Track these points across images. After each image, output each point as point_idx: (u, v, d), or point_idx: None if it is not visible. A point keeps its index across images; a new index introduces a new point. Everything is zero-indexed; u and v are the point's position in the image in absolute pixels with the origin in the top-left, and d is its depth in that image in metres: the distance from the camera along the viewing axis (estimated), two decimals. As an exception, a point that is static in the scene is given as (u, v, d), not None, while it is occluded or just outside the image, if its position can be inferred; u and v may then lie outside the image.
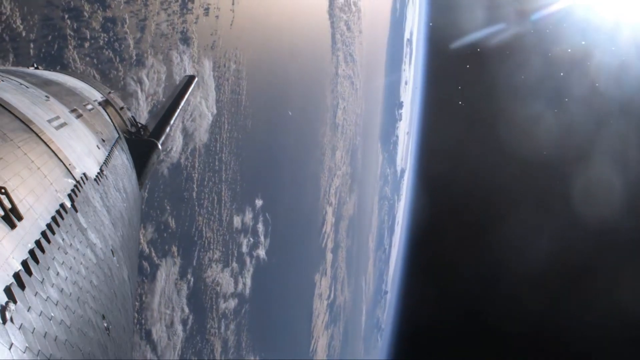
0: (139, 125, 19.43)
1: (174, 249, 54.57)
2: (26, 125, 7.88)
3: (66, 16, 42.85)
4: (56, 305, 4.93)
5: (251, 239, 73.68)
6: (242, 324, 70.65)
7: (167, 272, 52.72)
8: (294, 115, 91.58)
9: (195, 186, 59.78)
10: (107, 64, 46.94)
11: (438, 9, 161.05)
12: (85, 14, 44.68)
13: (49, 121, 9.41)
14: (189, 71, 56.53)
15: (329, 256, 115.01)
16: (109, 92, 18.85)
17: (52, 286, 5.07)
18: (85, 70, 44.04)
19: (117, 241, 9.30)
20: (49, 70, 21.63)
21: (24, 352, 3.80)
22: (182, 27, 57.91)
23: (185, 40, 57.81)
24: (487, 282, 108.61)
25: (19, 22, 38.18)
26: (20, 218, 5.15)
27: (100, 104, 16.37)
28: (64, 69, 41.87)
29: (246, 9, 71.57)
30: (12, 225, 4.97)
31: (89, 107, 14.38)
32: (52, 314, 4.72)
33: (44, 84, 12.47)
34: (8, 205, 5.03)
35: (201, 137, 59.81)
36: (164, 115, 21.80)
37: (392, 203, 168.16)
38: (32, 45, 39.40)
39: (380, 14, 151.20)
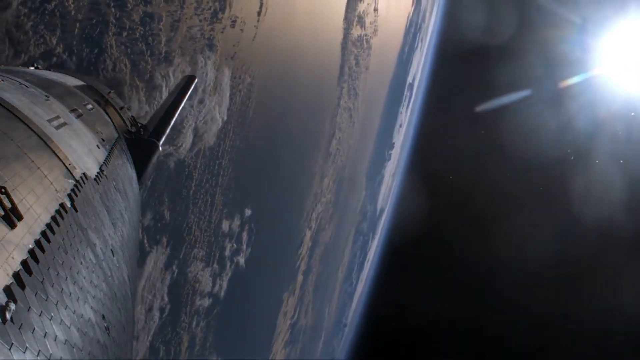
0: (139, 125, 19.89)
1: (165, 239, 56.51)
2: (26, 125, 7.93)
3: (112, 4, 45.51)
4: (56, 305, 4.90)
5: (234, 244, 75.31)
6: (211, 324, 71.96)
7: (155, 260, 54.53)
8: (291, 137, 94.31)
9: (193, 185, 61.81)
10: (139, 55, 49.42)
11: (444, 59, 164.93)
12: (129, 5, 47.40)
13: (49, 121, 9.49)
14: (211, 75, 59.26)
15: (300, 278, 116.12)
16: (109, 92, 19.25)
17: (52, 286, 5.03)
18: (118, 57, 46.57)
19: (117, 241, 9.35)
20: (50, 70, 22.13)
21: (24, 352, 3.77)
22: (210, 34, 60.69)
23: (211, 46, 60.65)
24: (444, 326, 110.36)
25: (70, 0, 40.80)
26: (20, 218, 5.17)
27: (100, 103, 16.73)
28: (102, 52, 44.46)
29: (268, 28, 74.60)
30: (12, 225, 4.96)
31: (89, 106, 14.71)
32: (52, 314, 4.68)
33: (44, 84, 12.87)
34: (8, 205, 5.05)
35: (209, 140, 62.18)
36: (164, 116, 22.21)
37: (367, 240, 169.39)
38: (77, 25, 41.82)
39: (389, 55, 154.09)
